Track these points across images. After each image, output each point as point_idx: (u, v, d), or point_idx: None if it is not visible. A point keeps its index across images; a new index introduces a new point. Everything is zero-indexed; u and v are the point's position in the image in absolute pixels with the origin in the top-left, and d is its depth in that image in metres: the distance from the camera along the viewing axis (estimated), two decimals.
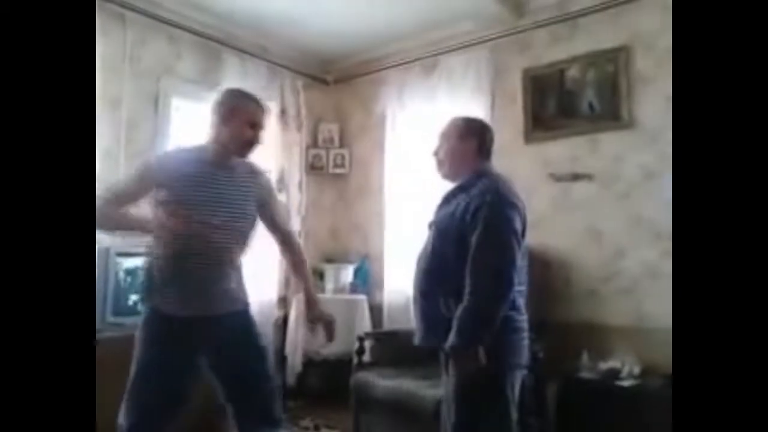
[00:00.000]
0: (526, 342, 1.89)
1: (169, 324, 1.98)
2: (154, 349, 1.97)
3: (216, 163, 2.04)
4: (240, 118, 2.03)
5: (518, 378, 1.89)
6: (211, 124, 2.08)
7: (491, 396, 1.81)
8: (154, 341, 1.99)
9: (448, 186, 2.07)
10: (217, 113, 2.06)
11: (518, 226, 1.83)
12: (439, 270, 1.88)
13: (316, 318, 2.18)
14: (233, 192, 2.05)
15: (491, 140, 2.06)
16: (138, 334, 2.02)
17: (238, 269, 2.12)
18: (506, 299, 1.77)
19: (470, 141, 2.01)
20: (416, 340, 1.98)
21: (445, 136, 2.06)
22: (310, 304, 2.20)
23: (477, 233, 1.79)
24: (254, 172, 2.17)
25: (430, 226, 2.04)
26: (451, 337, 1.77)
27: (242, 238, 2.10)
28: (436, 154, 2.07)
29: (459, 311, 1.77)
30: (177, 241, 1.96)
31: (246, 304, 2.16)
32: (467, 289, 1.77)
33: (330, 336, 2.18)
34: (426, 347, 1.96)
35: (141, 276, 2.11)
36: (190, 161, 2.03)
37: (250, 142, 2.07)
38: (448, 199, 1.99)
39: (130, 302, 3.08)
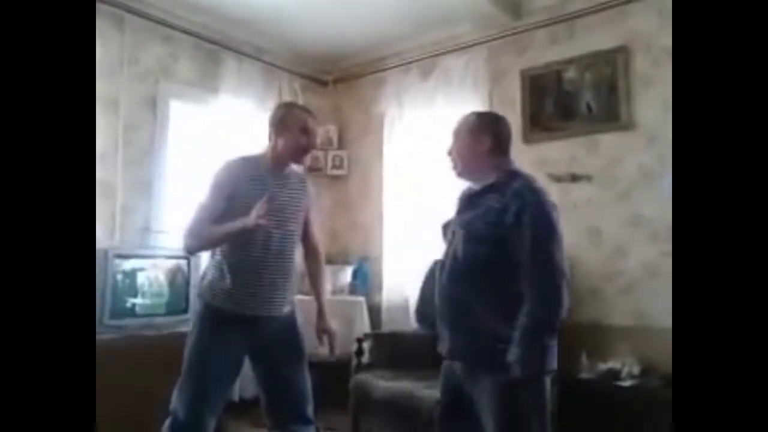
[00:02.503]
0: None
1: (223, 319, 2.12)
2: (208, 341, 2.12)
3: (272, 171, 2.19)
4: (292, 127, 2.18)
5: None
6: (268, 135, 2.24)
7: (536, 404, 1.74)
8: (206, 334, 2.13)
9: (454, 186, 2.01)
10: (271, 125, 2.23)
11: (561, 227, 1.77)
12: (474, 276, 1.77)
13: (324, 330, 2.32)
14: (287, 199, 2.20)
15: (508, 134, 1.95)
16: (193, 326, 2.19)
17: (290, 272, 2.25)
18: (566, 305, 1.70)
19: (483, 137, 1.89)
20: (444, 349, 1.88)
21: (458, 133, 1.96)
22: (321, 315, 2.33)
23: (529, 239, 1.69)
24: (303, 181, 2.32)
25: (448, 229, 1.96)
26: (520, 352, 1.66)
27: (294, 243, 2.26)
28: (449, 153, 1.97)
29: (525, 325, 1.67)
30: (239, 244, 2.10)
31: (292, 307, 2.28)
32: (530, 301, 1.68)
33: (332, 350, 2.33)
34: (455, 357, 1.85)
35: (206, 273, 2.24)
36: (250, 169, 2.17)
37: (304, 148, 2.21)
38: (473, 199, 1.89)
39: (129, 304, 3.08)
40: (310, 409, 2.23)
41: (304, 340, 2.28)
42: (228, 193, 2.11)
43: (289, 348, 2.23)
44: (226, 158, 2.26)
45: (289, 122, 2.19)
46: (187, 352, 2.14)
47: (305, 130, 2.19)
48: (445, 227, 2.02)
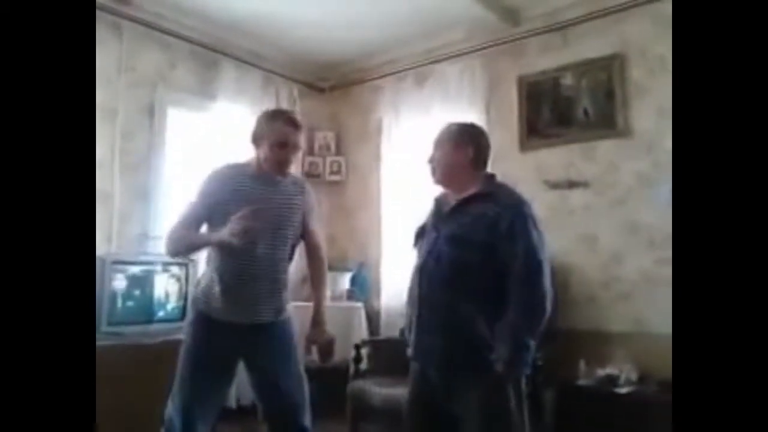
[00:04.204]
0: None
1: (214, 326, 2.11)
2: (199, 349, 2.11)
3: (259, 178, 2.15)
4: (269, 140, 2.12)
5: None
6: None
7: (518, 403, 1.78)
8: (199, 341, 2.12)
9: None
10: (252, 135, 2.19)
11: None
12: (459, 280, 1.80)
13: (316, 340, 2.23)
14: (277, 205, 2.14)
15: (487, 147, 2.00)
16: (185, 334, 2.18)
17: (281, 279, 2.19)
18: (549, 313, 1.78)
19: (465, 148, 1.93)
20: (419, 352, 1.90)
21: (439, 142, 1.99)
22: (316, 322, 2.24)
23: (522, 249, 1.75)
24: (298, 184, 2.27)
25: (424, 233, 1.99)
26: (506, 352, 1.71)
27: (286, 249, 2.20)
28: (430, 161, 2.00)
29: (512, 327, 1.72)
30: (226, 251, 2.07)
31: (287, 315, 2.23)
32: (518, 305, 1.73)
33: (324, 358, 2.23)
34: (434, 360, 1.86)
35: (200, 280, 2.25)
36: (236, 176, 2.15)
37: (280, 162, 2.14)
38: (459, 206, 1.90)
39: (126, 311, 3.07)
40: (306, 419, 2.18)
41: (297, 349, 2.23)
42: (213, 200, 2.11)
43: (284, 356, 2.18)
44: (214, 165, 2.26)
45: (268, 135, 2.13)
46: (180, 360, 2.13)
47: (284, 144, 2.12)
48: (420, 232, 2.04)
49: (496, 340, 1.74)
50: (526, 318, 1.74)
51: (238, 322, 2.11)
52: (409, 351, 1.95)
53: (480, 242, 1.79)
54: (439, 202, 2.02)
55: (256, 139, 2.17)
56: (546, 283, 1.77)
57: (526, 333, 1.74)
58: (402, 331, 2.04)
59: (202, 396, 2.09)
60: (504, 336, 1.73)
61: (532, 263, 1.76)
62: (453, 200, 1.94)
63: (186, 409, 2.06)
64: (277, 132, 2.13)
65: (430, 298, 1.85)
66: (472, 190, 1.90)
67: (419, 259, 1.95)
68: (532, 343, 1.75)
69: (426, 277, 1.87)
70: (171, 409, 2.10)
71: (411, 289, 1.94)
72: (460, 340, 1.79)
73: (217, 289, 2.11)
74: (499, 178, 2.02)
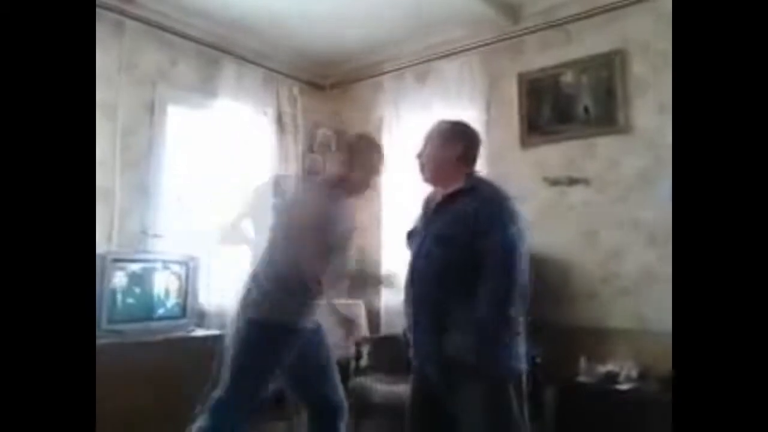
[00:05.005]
0: None
1: (264, 330, 2.20)
2: (252, 351, 2.20)
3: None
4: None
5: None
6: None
7: (518, 401, 1.78)
8: (251, 343, 2.20)
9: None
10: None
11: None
12: (448, 279, 1.80)
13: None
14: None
15: (477, 144, 1.98)
16: (239, 334, 2.24)
17: (316, 286, 2.26)
18: (513, 306, 1.75)
19: (455, 146, 1.91)
20: (419, 353, 1.91)
21: (429, 138, 1.97)
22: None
23: (492, 243, 1.74)
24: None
25: (414, 235, 1.99)
26: (479, 346, 1.72)
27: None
28: (419, 156, 1.98)
29: (480, 320, 1.72)
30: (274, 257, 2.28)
31: (318, 321, 2.35)
32: (487, 299, 1.72)
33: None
34: (431, 360, 1.86)
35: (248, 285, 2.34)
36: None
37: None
38: (443, 204, 1.90)
39: (127, 309, 3.07)
40: (341, 424, 2.34)
41: (332, 354, 2.39)
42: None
43: (315, 360, 2.34)
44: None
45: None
46: (232, 359, 2.19)
47: None
48: (411, 234, 2.04)
49: (469, 333, 1.74)
50: (491, 311, 1.72)
51: (279, 324, 2.21)
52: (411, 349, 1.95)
53: (461, 240, 1.78)
54: (427, 202, 2.01)
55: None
56: (517, 279, 1.74)
57: (494, 326, 1.72)
58: (404, 332, 2.03)
59: (255, 399, 2.20)
60: (475, 328, 1.72)
61: (505, 258, 1.73)
62: (440, 198, 1.93)
63: (240, 408, 2.16)
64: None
65: (422, 297, 1.86)
66: (457, 187, 1.88)
67: (411, 259, 1.95)
68: (507, 338, 1.74)
69: (417, 277, 1.88)
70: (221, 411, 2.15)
71: (405, 289, 1.95)
72: (452, 339, 1.79)
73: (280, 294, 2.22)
74: (500, 174, 2.02)
